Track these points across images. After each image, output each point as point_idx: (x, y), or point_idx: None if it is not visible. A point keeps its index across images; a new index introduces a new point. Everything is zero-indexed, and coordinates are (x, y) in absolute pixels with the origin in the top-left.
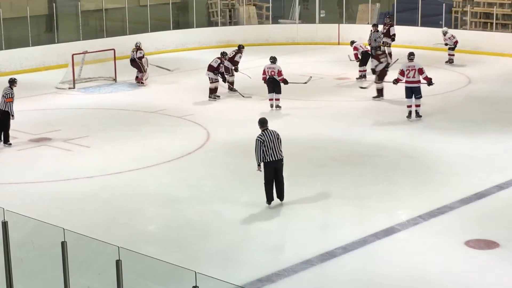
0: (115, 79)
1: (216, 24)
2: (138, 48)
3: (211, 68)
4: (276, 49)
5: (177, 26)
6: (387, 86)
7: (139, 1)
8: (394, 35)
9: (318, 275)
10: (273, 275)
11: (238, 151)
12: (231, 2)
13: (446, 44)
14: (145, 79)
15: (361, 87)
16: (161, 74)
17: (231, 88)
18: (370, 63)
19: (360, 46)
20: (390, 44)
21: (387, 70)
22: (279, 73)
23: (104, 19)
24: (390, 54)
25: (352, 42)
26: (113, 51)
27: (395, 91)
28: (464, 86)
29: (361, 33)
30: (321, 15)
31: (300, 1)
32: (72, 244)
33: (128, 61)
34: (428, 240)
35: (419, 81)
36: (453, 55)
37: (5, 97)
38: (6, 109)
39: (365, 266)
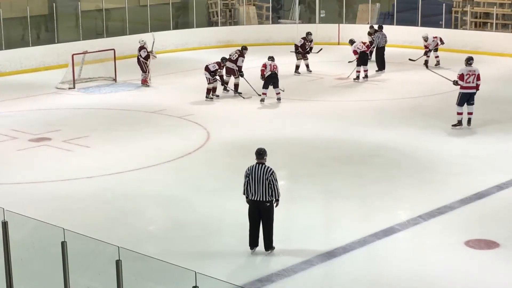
0: (115, 79)
1: (216, 24)
2: (141, 47)
3: (208, 69)
4: (276, 49)
5: (177, 26)
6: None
7: (139, 1)
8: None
9: (318, 275)
10: (273, 275)
11: (238, 151)
12: (231, 2)
13: (427, 51)
14: (149, 80)
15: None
16: (160, 74)
17: (235, 90)
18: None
19: (358, 48)
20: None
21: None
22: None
23: (104, 19)
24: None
25: (351, 42)
26: (113, 51)
27: (393, 91)
28: None
29: (361, 33)
30: (321, 15)
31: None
32: (72, 244)
33: (127, 61)
34: (428, 240)
35: (476, 87)
36: (437, 56)
37: None
38: None
39: (365, 266)
